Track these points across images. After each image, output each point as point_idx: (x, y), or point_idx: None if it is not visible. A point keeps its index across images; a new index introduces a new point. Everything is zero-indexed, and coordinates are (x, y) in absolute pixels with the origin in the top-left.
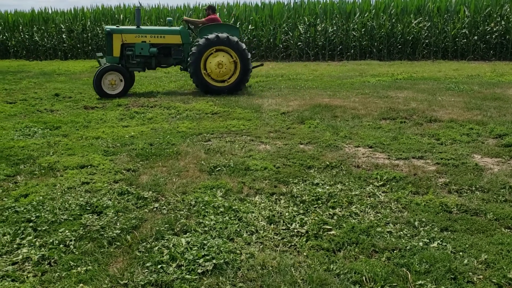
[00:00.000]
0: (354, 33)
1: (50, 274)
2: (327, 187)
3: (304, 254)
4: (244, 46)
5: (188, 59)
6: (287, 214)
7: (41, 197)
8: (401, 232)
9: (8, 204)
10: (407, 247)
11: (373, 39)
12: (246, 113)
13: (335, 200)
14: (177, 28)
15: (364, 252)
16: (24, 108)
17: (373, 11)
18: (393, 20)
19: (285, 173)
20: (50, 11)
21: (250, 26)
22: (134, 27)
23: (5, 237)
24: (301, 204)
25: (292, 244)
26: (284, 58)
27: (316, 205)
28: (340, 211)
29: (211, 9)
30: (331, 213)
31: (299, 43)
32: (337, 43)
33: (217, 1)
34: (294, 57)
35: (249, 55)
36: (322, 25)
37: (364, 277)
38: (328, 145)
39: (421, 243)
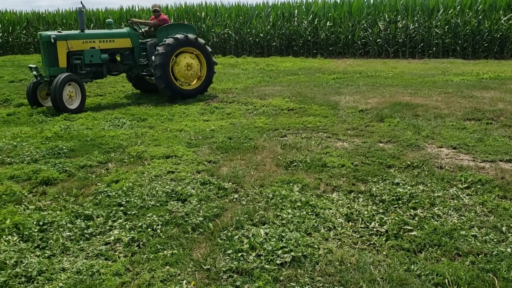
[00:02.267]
0: (437, 30)
1: (139, 256)
2: (408, 187)
3: (384, 253)
4: (208, 47)
5: (145, 62)
6: (365, 212)
7: (130, 184)
8: (487, 237)
9: (101, 188)
10: (494, 253)
11: (457, 36)
12: (322, 109)
13: (417, 201)
14: (125, 30)
15: (447, 255)
16: (113, 100)
17: (458, 7)
18: (480, 17)
19: (364, 171)
20: (136, 9)
21: (328, 23)
22: (77, 31)
23: (98, 219)
24: (381, 204)
25: (371, 242)
26: (362, 55)
27: (396, 205)
28: (421, 212)
29: (158, 9)
30: (412, 214)
31: (379, 40)
32: (418, 41)
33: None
34: (373, 54)
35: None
36: (403, 22)
37: (446, 280)
38: (409, 145)
39: (509, 249)
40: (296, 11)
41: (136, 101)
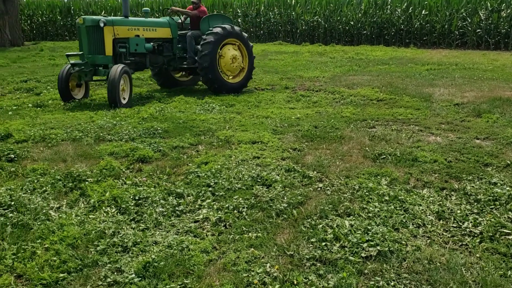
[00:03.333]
0: None
1: (225, 235)
2: (507, 188)
3: (477, 255)
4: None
5: (184, 54)
6: (458, 211)
7: (218, 166)
8: None
9: (192, 169)
10: None
11: None
12: (414, 101)
13: None
14: (166, 19)
15: None
16: (203, 85)
17: None
18: None
19: (458, 168)
20: None
21: (423, 11)
22: (122, 17)
23: (189, 197)
24: (475, 203)
25: (464, 243)
26: (459, 45)
27: (493, 206)
28: None
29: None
30: (510, 216)
31: (478, 30)
32: None
33: None
34: (471, 45)
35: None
36: (508, 11)
37: None
38: (510, 143)
39: None
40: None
41: None
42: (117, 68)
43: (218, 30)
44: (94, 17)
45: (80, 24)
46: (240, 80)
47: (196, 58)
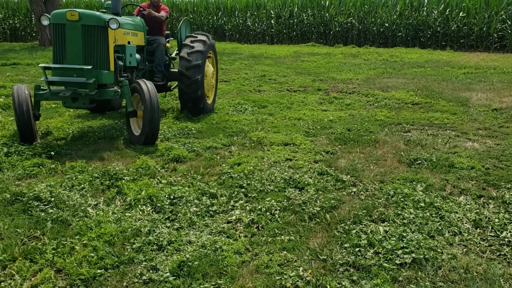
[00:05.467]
0: None
1: (258, 237)
2: None
3: None
4: None
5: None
6: (496, 220)
7: (251, 167)
8: None
9: (225, 169)
10: None
11: None
12: (450, 106)
13: None
14: (140, 20)
15: None
16: (236, 86)
17: None
18: None
19: (496, 176)
20: None
21: (461, 13)
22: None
23: (222, 198)
24: None
25: (502, 253)
26: (498, 49)
27: None
28: None
29: None
30: None
31: None
32: None
33: None
34: (510, 49)
35: None
36: None
37: None
38: None
39: None
40: (426, 0)
41: (257, 88)
42: (148, 88)
43: (204, 38)
44: (97, 13)
45: (71, 21)
46: (212, 99)
47: (167, 71)
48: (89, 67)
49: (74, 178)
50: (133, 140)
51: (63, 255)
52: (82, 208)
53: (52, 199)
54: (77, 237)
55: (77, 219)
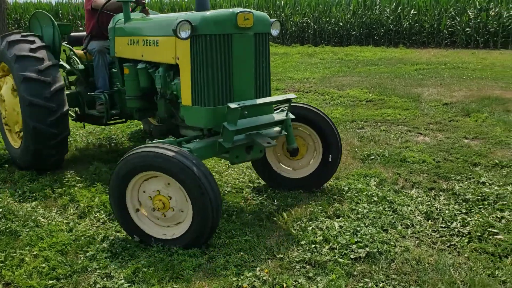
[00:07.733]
0: None
1: (215, 240)
2: (495, 188)
3: (465, 255)
4: None
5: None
6: (447, 211)
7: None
8: None
9: None
10: None
11: None
12: (403, 102)
13: (504, 202)
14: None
15: None
16: None
17: None
18: None
19: (446, 169)
20: None
21: (412, 10)
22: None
23: None
24: (464, 203)
25: (452, 243)
26: (448, 45)
27: (481, 206)
28: (509, 215)
29: None
30: (498, 216)
31: (467, 29)
32: None
33: None
34: (460, 44)
35: None
36: (496, 10)
37: None
38: (498, 142)
39: None
40: None
41: None
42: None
43: None
44: (265, 15)
45: (243, 30)
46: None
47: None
48: None
49: (24, 187)
50: None
51: (11, 268)
52: (33, 217)
53: (0, 210)
54: (27, 248)
55: (27, 229)
